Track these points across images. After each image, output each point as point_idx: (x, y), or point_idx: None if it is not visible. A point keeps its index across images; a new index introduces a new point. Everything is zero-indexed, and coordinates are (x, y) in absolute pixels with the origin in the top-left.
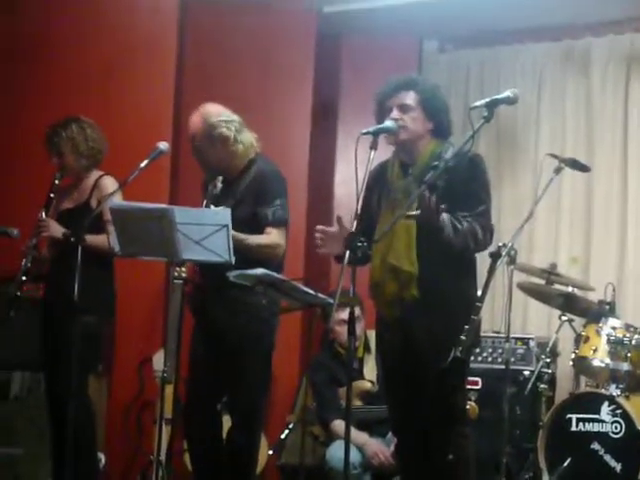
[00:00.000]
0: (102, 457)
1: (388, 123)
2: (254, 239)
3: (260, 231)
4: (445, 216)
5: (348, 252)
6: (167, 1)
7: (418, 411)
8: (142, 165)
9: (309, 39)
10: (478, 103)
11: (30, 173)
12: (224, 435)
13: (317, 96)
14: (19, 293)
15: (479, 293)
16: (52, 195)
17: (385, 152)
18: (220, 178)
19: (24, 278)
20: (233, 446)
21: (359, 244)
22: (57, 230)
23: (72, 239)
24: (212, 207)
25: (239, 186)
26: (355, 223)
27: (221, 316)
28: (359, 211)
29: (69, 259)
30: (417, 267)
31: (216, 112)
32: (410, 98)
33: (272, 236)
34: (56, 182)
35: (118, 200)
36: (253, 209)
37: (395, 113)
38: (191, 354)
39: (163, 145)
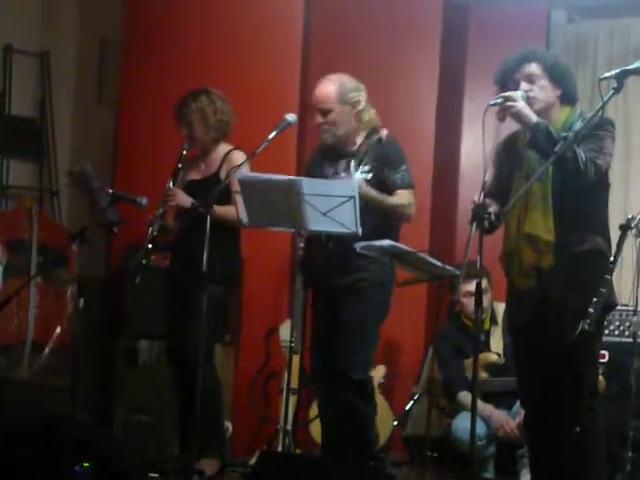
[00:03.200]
0: (229, 426)
1: (518, 93)
2: (390, 199)
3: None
4: None
5: (475, 224)
6: None
7: (547, 382)
8: (270, 137)
9: (436, 10)
10: (607, 74)
11: (158, 143)
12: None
13: (444, 67)
14: (145, 261)
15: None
16: (180, 165)
17: (512, 122)
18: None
19: (150, 246)
20: (347, 407)
21: (485, 216)
22: (185, 200)
23: (200, 209)
24: (343, 174)
25: (362, 154)
26: (482, 195)
27: (340, 283)
28: (489, 182)
29: (197, 230)
30: (554, 235)
31: (350, 79)
32: (535, 68)
33: (405, 196)
34: (184, 153)
35: (246, 171)
36: (379, 176)
37: (524, 85)
38: (313, 322)
39: (291, 117)
